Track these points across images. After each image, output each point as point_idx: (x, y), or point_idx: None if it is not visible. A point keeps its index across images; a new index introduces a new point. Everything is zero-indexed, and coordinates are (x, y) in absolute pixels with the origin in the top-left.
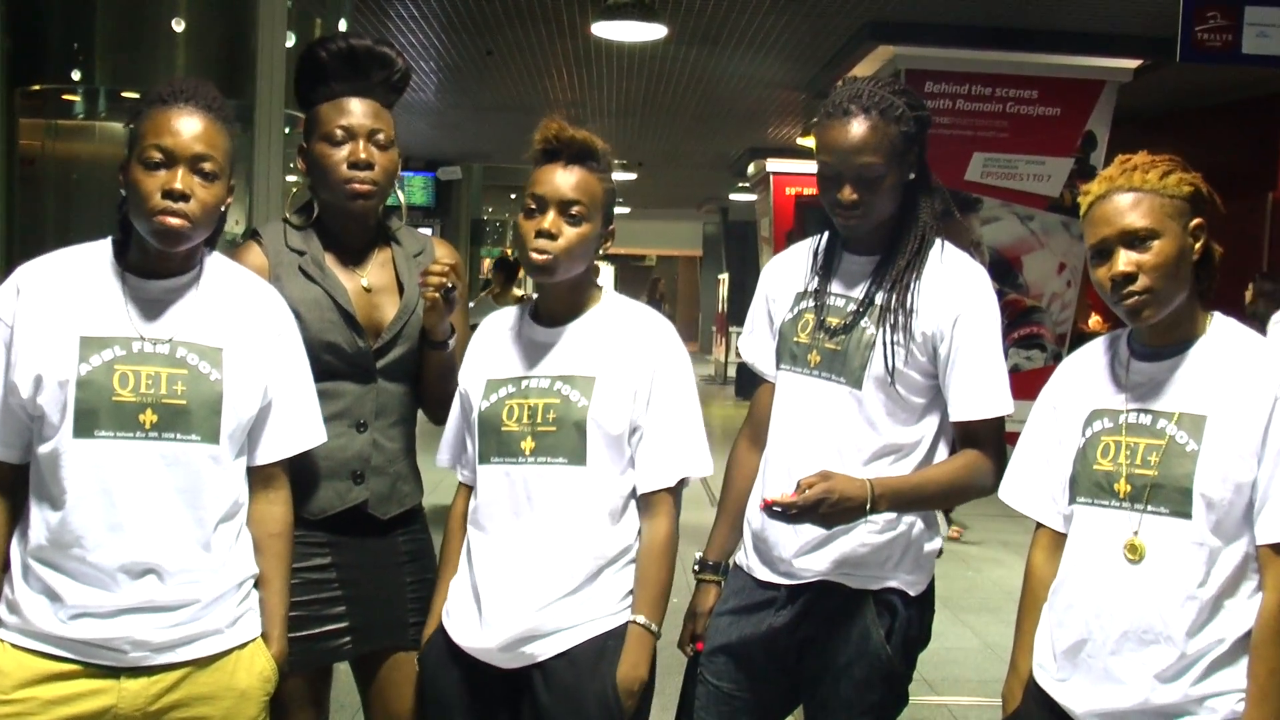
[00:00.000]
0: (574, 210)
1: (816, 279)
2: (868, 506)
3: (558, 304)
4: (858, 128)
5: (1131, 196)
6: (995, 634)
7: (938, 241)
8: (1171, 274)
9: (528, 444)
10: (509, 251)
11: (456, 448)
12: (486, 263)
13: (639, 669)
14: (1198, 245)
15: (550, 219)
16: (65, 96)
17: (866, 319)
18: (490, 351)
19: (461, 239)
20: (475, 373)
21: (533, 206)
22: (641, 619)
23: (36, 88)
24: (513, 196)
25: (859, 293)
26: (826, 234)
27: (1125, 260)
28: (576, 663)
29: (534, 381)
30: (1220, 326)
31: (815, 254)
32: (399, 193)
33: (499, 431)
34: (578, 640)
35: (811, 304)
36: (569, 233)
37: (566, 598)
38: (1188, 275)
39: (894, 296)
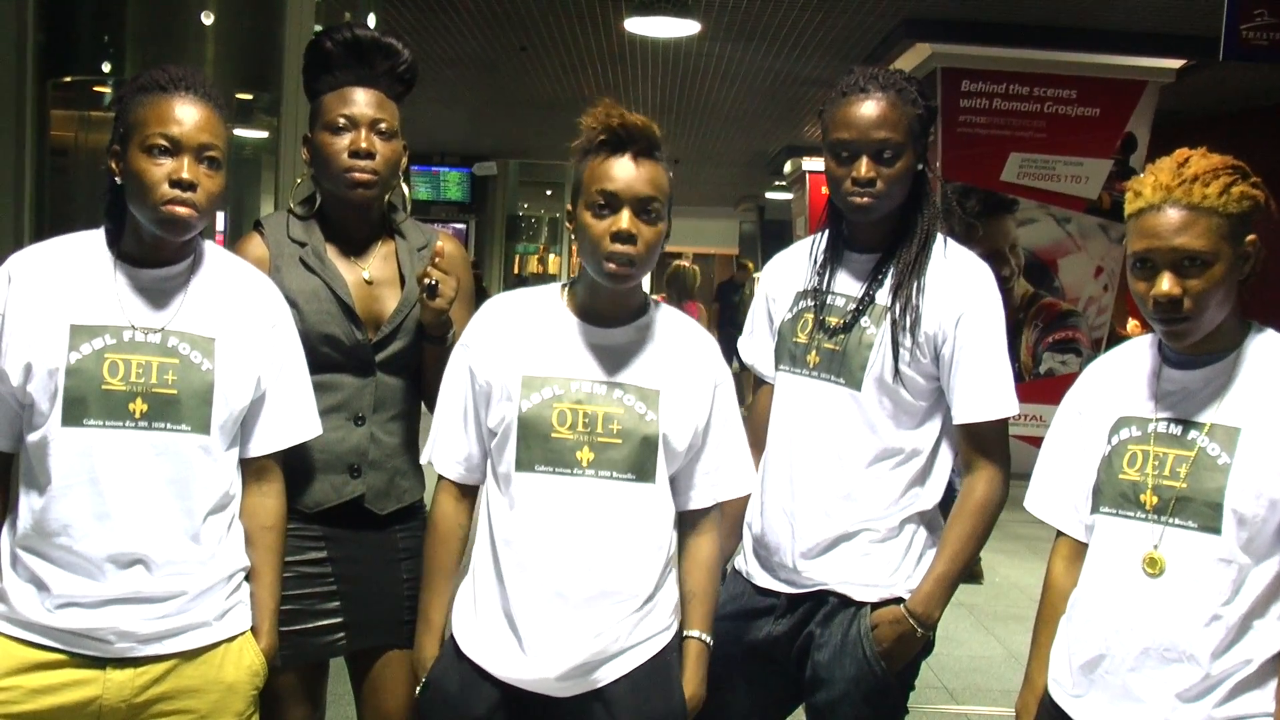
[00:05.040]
0: (651, 208)
1: (817, 277)
2: (917, 631)
3: (615, 305)
4: (878, 104)
5: (1187, 214)
6: (1021, 643)
7: (940, 238)
8: (1220, 300)
9: (585, 455)
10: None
11: (462, 443)
12: (554, 260)
13: (703, 687)
14: (1248, 265)
15: (627, 219)
16: (96, 88)
17: (866, 318)
18: (521, 343)
19: (497, 235)
20: (503, 364)
21: (602, 204)
22: (698, 633)
23: (68, 80)
24: (548, 193)
25: (859, 291)
26: (828, 231)
27: (1171, 283)
28: (641, 686)
29: (588, 386)
30: (1259, 337)
31: (815, 251)
32: (403, 186)
33: (548, 438)
34: (635, 663)
35: (811, 303)
36: (647, 233)
37: (624, 620)
38: (1234, 293)
39: (897, 295)
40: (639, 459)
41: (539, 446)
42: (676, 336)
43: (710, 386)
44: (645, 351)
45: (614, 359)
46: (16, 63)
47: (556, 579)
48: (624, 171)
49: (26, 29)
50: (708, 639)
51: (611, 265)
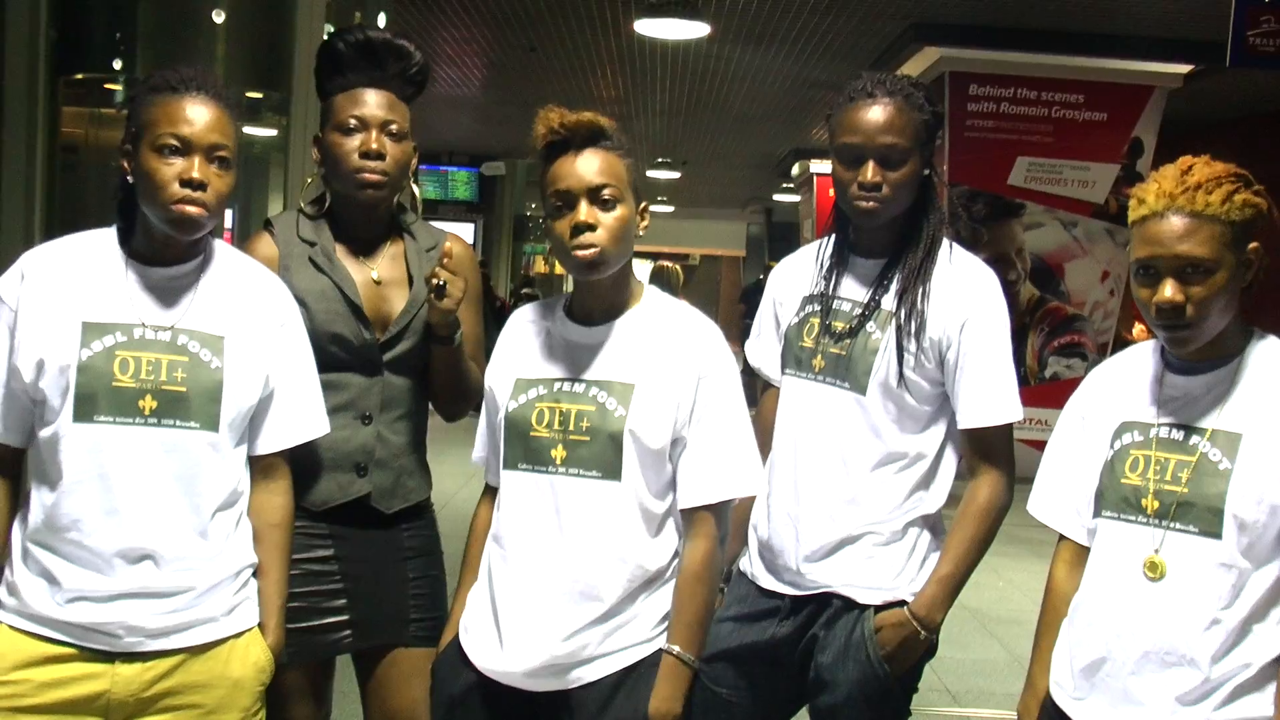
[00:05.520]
0: (606, 194)
1: (823, 282)
2: (921, 634)
3: (597, 301)
4: (884, 109)
5: (1190, 222)
6: (1024, 646)
7: (946, 243)
8: (1221, 307)
9: (558, 452)
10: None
11: (487, 447)
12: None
13: (671, 703)
14: (1250, 272)
15: (584, 210)
16: (107, 86)
17: (872, 323)
18: (520, 348)
19: (504, 235)
20: (504, 370)
21: (559, 204)
22: (675, 649)
23: (80, 77)
24: None
25: (865, 296)
26: (834, 236)
27: (1174, 289)
28: (605, 695)
29: (567, 385)
30: (1261, 344)
31: (822, 256)
32: (414, 187)
33: (527, 436)
34: (609, 670)
35: (817, 307)
36: (607, 219)
37: (596, 624)
38: (1236, 300)
39: (902, 300)
40: (605, 456)
41: (520, 445)
42: (663, 329)
43: (693, 379)
44: (626, 346)
45: (593, 356)
46: (29, 60)
47: (530, 575)
48: (570, 167)
49: (39, 26)
50: (683, 654)
51: (579, 254)
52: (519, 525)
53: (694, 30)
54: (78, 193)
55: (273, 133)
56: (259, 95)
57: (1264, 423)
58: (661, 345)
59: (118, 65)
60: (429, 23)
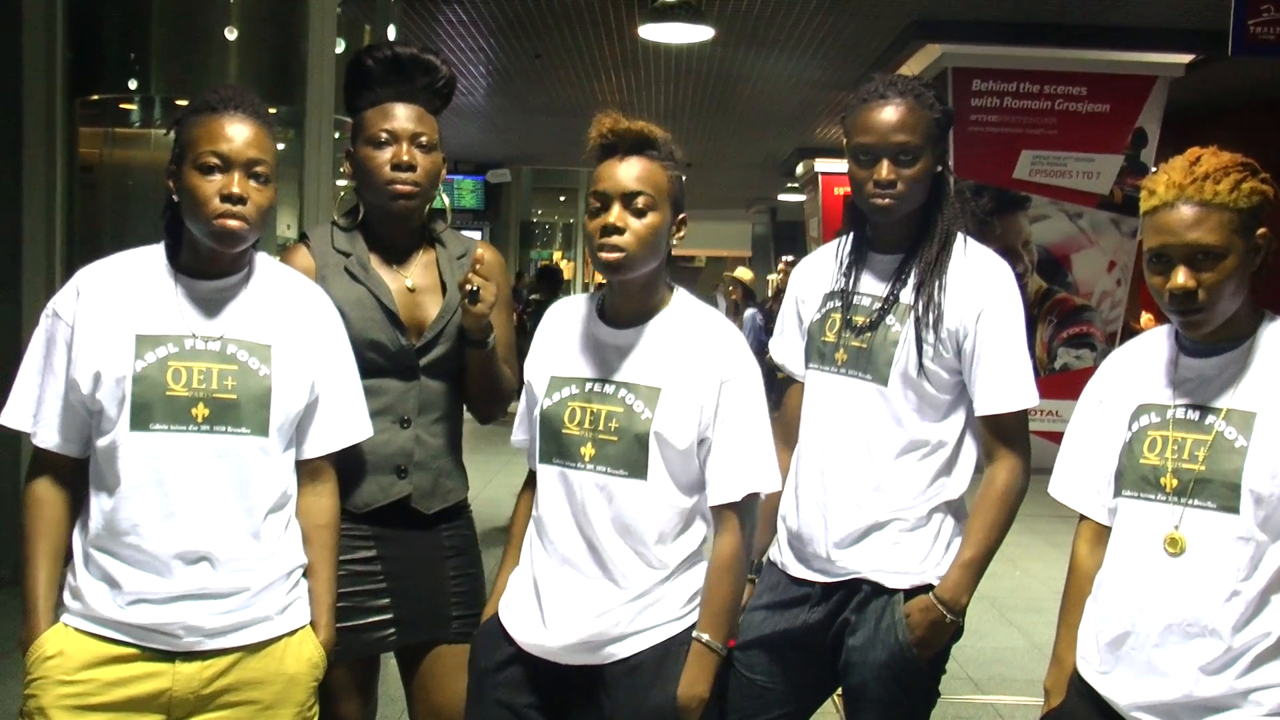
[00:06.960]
0: (639, 201)
1: (843, 279)
2: (947, 617)
3: (628, 304)
4: (896, 108)
5: (1200, 210)
6: (1043, 634)
7: (960, 237)
8: (1232, 291)
9: (587, 450)
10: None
11: (528, 433)
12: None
13: (698, 686)
14: (1259, 257)
15: (615, 213)
16: (122, 106)
17: (892, 316)
18: (555, 344)
19: (510, 241)
20: (540, 365)
21: (597, 205)
22: (705, 637)
23: (95, 97)
24: (561, 199)
25: (884, 291)
26: (852, 234)
27: (1186, 276)
28: (638, 672)
29: (597, 385)
30: (1272, 325)
31: (841, 254)
32: (443, 196)
33: (559, 434)
34: (640, 647)
35: (838, 303)
36: (636, 225)
37: (628, 605)
38: (1246, 284)
39: (919, 293)
40: (632, 456)
41: (553, 441)
42: (688, 334)
43: (715, 384)
44: (654, 350)
45: (621, 358)
46: (46, 82)
47: (562, 561)
48: (611, 170)
49: (55, 49)
50: (711, 641)
51: (603, 255)
52: (553, 513)
53: (698, 34)
54: (95, 210)
55: (281, 146)
56: (271, 110)
57: (1277, 401)
58: (686, 350)
59: (133, 85)
60: (435, 32)
